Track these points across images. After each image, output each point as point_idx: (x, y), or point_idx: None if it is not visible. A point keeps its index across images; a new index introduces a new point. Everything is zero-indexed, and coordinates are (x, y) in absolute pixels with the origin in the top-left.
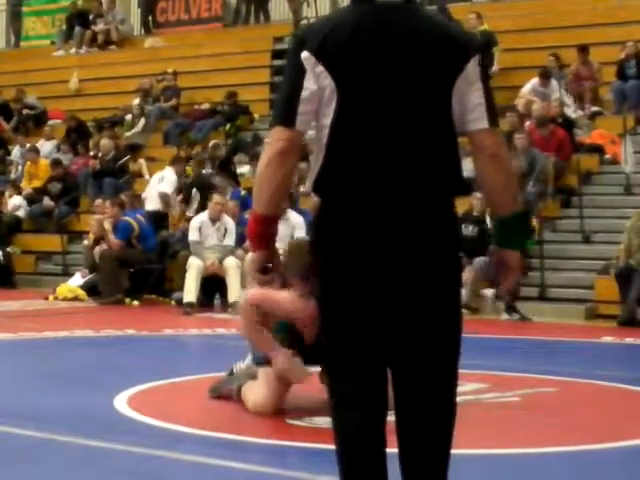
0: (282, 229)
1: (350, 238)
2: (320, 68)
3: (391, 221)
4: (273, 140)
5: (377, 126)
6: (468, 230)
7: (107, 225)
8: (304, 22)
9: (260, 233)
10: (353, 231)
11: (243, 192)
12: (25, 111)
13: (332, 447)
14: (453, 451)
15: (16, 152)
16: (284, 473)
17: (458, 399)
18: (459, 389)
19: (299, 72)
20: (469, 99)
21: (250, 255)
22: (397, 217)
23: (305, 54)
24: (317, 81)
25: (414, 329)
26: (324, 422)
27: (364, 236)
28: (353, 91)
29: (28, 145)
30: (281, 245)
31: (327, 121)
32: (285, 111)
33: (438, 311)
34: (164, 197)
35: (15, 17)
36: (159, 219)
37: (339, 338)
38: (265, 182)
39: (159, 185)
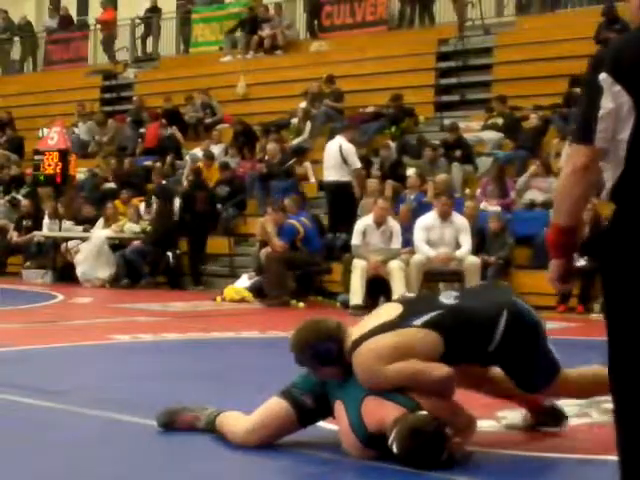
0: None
1: None
2: (617, 87)
3: None
4: (573, 156)
5: None
6: None
7: (269, 228)
8: (469, 24)
9: (560, 243)
10: None
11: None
12: (193, 115)
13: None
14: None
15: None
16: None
17: None
18: None
19: (596, 92)
20: None
21: (551, 263)
22: None
23: (603, 75)
24: (614, 100)
25: None
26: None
27: None
28: None
29: (198, 149)
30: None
31: (624, 136)
32: (584, 129)
33: None
34: (358, 174)
35: (184, 24)
36: (343, 190)
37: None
38: (565, 195)
39: (349, 160)
